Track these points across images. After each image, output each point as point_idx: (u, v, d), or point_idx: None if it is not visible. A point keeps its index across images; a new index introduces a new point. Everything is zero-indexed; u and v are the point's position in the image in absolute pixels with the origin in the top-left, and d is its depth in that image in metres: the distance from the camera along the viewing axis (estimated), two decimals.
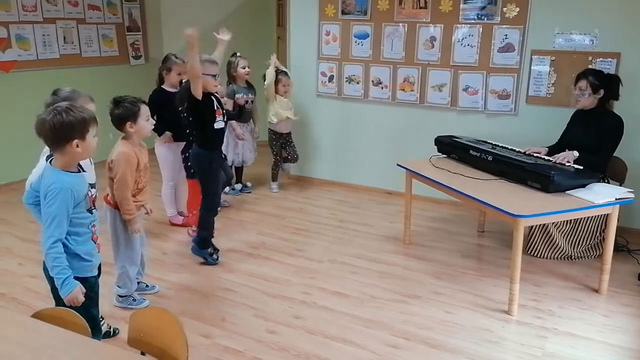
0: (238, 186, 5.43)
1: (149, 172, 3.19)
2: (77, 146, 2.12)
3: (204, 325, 3.05)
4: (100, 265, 2.94)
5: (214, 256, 3.83)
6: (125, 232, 3.11)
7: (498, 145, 4.02)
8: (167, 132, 4.31)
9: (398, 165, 4.08)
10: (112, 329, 3.02)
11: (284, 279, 3.63)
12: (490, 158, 3.72)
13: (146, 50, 6.92)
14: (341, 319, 3.14)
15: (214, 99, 3.63)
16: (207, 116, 3.60)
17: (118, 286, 3.25)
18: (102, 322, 3.01)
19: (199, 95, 3.47)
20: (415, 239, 4.29)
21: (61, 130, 2.07)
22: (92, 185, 2.76)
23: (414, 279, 3.64)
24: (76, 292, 2.18)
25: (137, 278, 3.30)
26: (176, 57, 4.41)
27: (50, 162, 2.17)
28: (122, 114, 2.96)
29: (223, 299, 3.36)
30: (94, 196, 2.41)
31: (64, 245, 2.17)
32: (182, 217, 4.57)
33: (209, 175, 3.71)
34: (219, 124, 3.66)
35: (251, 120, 5.24)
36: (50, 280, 2.25)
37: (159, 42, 7.02)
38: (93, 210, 2.29)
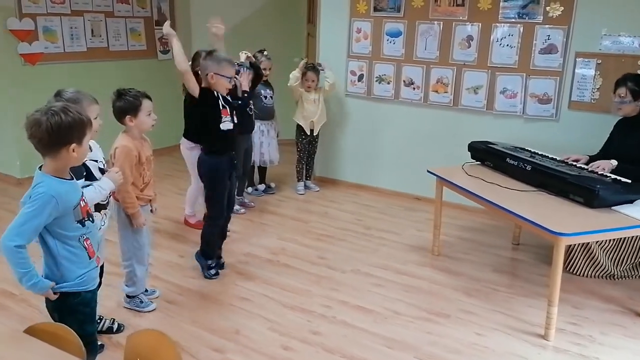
0: (261, 187, 5.26)
1: (153, 164, 3.06)
2: (74, 151, 1.93)
3: (216, 339, 2.88)
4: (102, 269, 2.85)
5: (212, 271, 3.56)
6: (132, 229, 3.00)
7: (537, 154, 3.75)
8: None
9: (428, 171, 3.84)
10: (116, 325, 2.92)
11: (303, 289, 3.44)
12: (528, 167, 3.46)
13: None
14: (362, 337, 2.93)
15: (219, 95, 3.37)
16: (211, 116, 3.34)
17: (126, 285, 3.14)
18: (103, 320, 2.89)
19: (193, 91, 3.28)
20: (445, 249, 4.05)
21: (59, 133, 1.87)
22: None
23: (442, 295, 3.41)
24: (47, 293, 2.03)
25: (143, 279, 3.17)
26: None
27: (40, 168, 1.99)
28: (123, 107, 2.85)
29: (238, 309, 3.18)
30: (95, 206, 2.24)
31: (53, 256, 2.01)
32: (197, 219, 4.41)
33: (215, 183, 3.44)
34: (226, 125, 3.37)
35: (273, 119, 5.08)
36: (47, 301, 2.11)
37: (188, 37, 6.88)
38: (87, 222, 2.06)
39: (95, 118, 2.47)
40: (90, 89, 5.88)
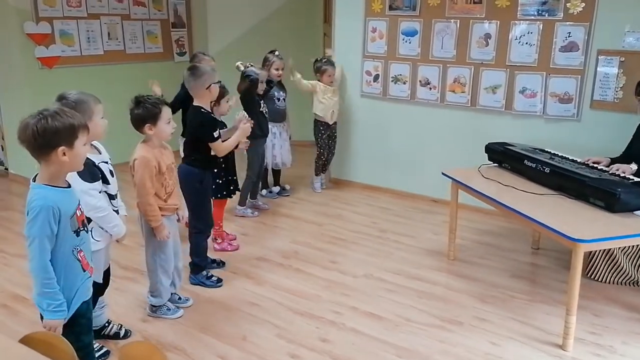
0: (275, 189, 5.21)
1: (175, 173, 3.01)
2: (64, 154, 1.88)
3: (222, 345, 2.83)
4: (107, 276, 2.82)
5: (213, 278, 3.48)
6: (157, 239, 2.94)
7: (557, 155, 3.62)
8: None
9: (443, 174, 3.74)
10: (123, 330, 2.89)
11: (313, 294, 3.37)
12: (547, 170, 3.34)
13: (191, 47, 6.80)
14: (372, 345, 2.85)
15: (215, 117, 3.39)
16: (204, 137, 3.29)
17: (152, 296, 3.08)
18: (110, 325, 2.86)
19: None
20: (461, 254, 3.94)
21: (44, 137, 1.84)
22: (114, 196, 2.58)
23: (457, 302, 3.31)
24: (59, 323, 1.97)
25: (169, 289, 3.12)
26: (204, 54, 4.28)
27: (34, 179, 1.95)
28: (142, 115, 2.78)
29: (247, 315, 3.13)
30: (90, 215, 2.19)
31: None
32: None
33: (199, 194, 3.38)
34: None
35: (285, 121, 5.03)
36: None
37: (204, 39, 6.90)
38: (81, 232, 2.02)
39: (102, 117, 2.44)
40: (107, 92, 5.94)
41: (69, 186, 2.02)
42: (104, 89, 5.76)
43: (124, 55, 6.08)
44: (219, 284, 3.46)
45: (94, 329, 2.71)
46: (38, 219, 1.85)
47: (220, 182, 3.90)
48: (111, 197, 2.54)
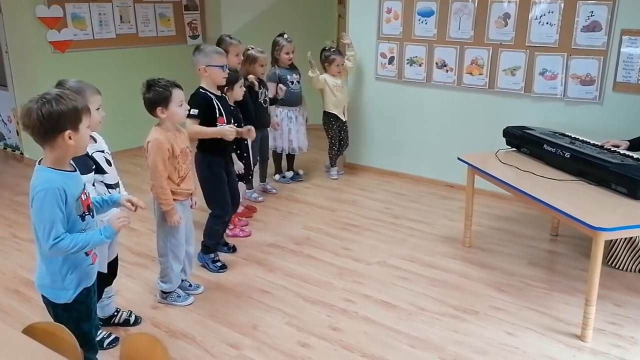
0: (289, 174, 5.15)
1: (190, 157, 2.96)
2: (70, 138, 1.85)
3: (233, 333, 2.79)
4: (114, 268, 2.79)
5: (218, 263, 3.45)
6: (169, 225, 2.91)
7: (578, 139, 3.50)
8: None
9: (459, 159, 3.64)
10: (133, 317, 2.87)
11: (325, 281, 3.32)
12: (567, 155, 3.22)
13: (204, 30, 6.74)
14: (384, 334, 2.79)
15: (217, 104, 3.29)
16: (205, 120, 3.25)
17: (162, 281, 3.05)
18: (120, 313, 2.84)
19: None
20: (477, 241, 3.85)
21: (50, 120, 1.80)
22: (113, 186, 2.53)
23: (472, 290, 3.23)
24: (120, 221, 2.01)
25: (180, 275, 3.09)
26: (231, 38, 4.11)
27: (39, 162, 1.92)
28: (153, 99, 2.73)
29: (258, 303, 3.09)
30: (97, 197, 2.16)
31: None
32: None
33: (209, 180, 3.34)
34: None
35: (301, 105, 4.93)
36: (44, 297, 2.07)
37: (217, 21, 6.80)
38: (87, 216, 1.98)
39: (97, 109, 2.38)
40: (120, 76, 5.93)
41: (75, 170, 1.98)
42: (117, 73, 5.79)
43: (136, 38, 6.03)
44: (222, 270, 3.44)
45: (102, 318, 2.71)
46: (46, 202, 1.83)
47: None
48: (109, 186, 2.49)
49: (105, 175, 2.47)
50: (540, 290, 3.23)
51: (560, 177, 3.17)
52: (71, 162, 1.98)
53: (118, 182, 2.59)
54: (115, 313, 2.86)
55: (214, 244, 3.48)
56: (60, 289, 2.00)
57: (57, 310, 2.05)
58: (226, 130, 3.25)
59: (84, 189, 1.99)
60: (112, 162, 2.55)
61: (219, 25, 6.78)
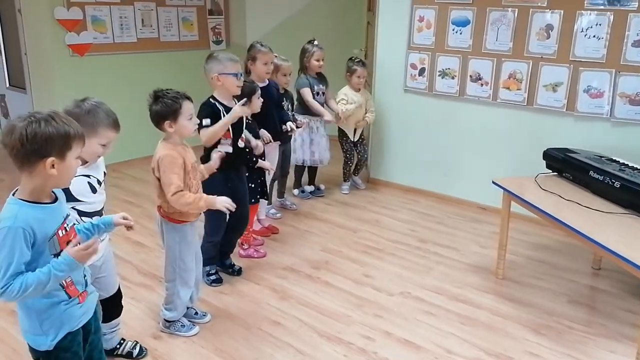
0: (309, 188, 4.89)
1: (199, 173, 2.72)
2: (53, 166, 1.60)
3: None
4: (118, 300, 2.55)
5: (212, 277, 3.29)
6: (179, 247, 2.68)
7: (628, 166, 3.16)
8: (262, 130, 3.74)
9: (494, 183, 3.33)
10: (137, 349, 2.62)
11: (343, 314, 3.04)
12: (617, 184, 2.89)
13: (228, 35, 6.54)
14: None
15: (223, 113, 3.06)
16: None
17: (166, 308, 2.81)
18: (125, 343, 2.61)
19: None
20: (511, 272, 3.52)
21: (34, 143, 1.56)
22: (90, 214, 2.20)
23: (506, 331, 2.91)
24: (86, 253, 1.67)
25: (186, 304, 2.84)
26: (262, 45, 3.83)
27: (14, 192, 1.67)
28: (161, 111, 2.50)
29: (267, 336, 2.82)
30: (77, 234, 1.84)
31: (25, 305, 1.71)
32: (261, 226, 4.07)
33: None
34: (223, 147, 3.09)
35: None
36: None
37: (242, 27, 6.61)
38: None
39: (105, 145, 2.15)
40: (140, 81, 5.74)
41: (55, 200, 1.72)
42: (137, 78, 5.61)
43: (158, 43, 5.85)
44: (215, 284, 3.28)
45: (105, 349, 2.46)
46: (6, 242, 1.56)
47: (253, 185, 3.58)
48: (83, 214, 2.15)
49: (84, 203, 2.15)
50: (582, 334, 2.89)
51: (608, 208, 2.85)
52: (52, 190, 1.73)
53: (101, 210, 2.25)
54: (118, 345, 2.62)
55: (207, 259, 3.23)
56: (39, 334, 1.75)
57: (39, 359, 1.80)
58: (236, 110, 3.05)
59: (64, 221, 1.73)
60: (97, 188, 2.22)
61: (244, 30, 6.58)
